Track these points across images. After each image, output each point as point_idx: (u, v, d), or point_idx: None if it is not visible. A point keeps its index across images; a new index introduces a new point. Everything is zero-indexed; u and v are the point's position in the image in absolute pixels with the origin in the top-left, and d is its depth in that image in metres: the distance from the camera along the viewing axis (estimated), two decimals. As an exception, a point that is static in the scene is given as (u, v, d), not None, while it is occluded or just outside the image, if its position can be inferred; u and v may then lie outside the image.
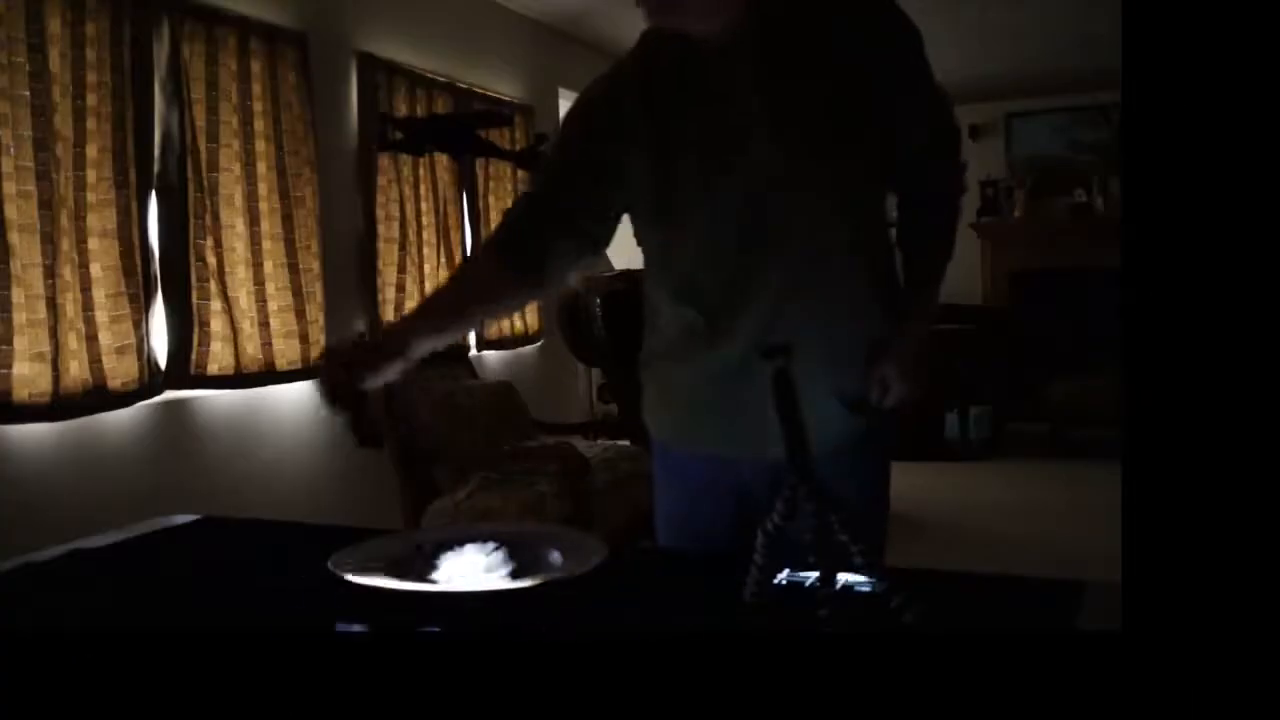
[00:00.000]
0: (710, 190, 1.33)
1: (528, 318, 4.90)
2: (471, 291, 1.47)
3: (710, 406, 1.41)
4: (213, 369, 3.19)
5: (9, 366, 2.54)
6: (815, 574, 1.02)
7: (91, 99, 2.75)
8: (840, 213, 1.34)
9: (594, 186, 1.41)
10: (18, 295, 2.55)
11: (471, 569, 1.16)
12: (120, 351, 2.82)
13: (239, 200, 3.25)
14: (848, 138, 1.32)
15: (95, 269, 2.77)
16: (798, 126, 1.30)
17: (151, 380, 2.96)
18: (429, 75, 4.25)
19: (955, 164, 1.48)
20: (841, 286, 1.35)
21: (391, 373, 1.34)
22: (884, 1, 1.35)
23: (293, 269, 3.43)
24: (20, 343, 2.56)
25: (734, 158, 1.32)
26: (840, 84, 1.30)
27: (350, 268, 3.86)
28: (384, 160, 3.94)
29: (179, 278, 3.11)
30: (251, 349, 3.29)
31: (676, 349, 1.43)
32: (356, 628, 1.04)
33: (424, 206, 4.18)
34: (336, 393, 1.29)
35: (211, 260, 3.17)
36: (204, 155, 3.14)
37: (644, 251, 1.46)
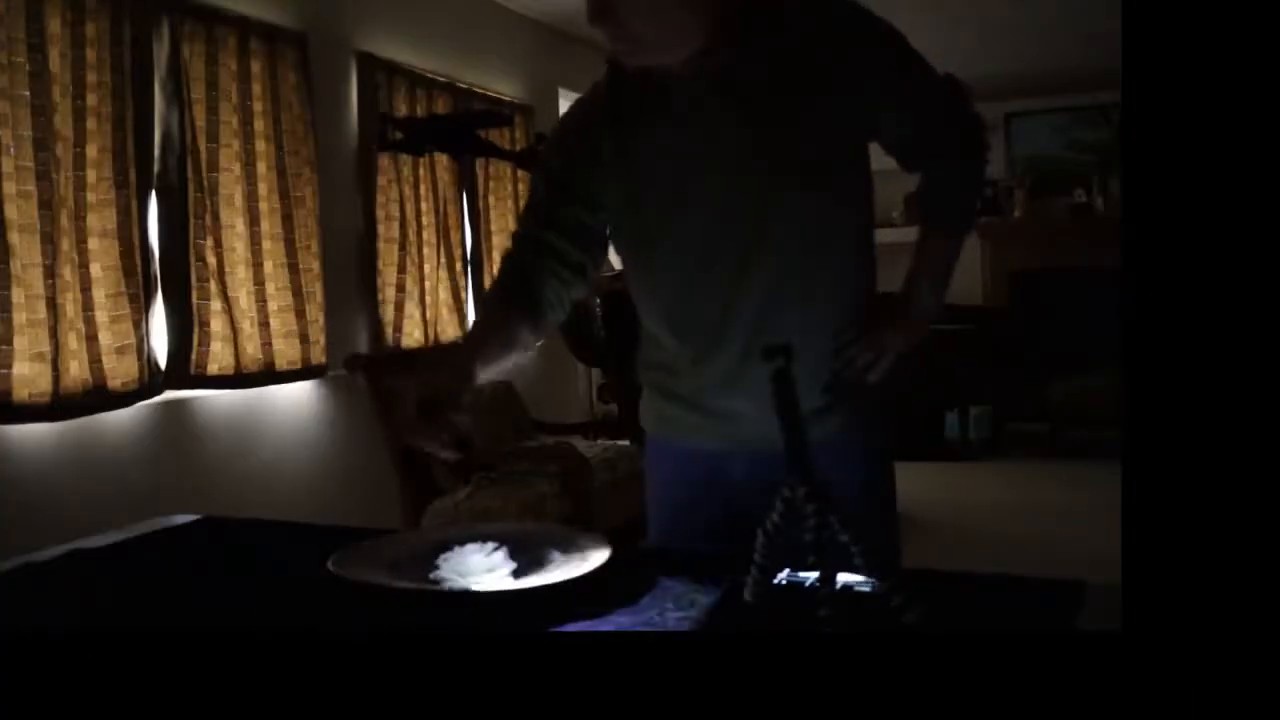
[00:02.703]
0: (683, 216, 1.35)
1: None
2: (494, 337, 1.43)
3: (702, 411, 1.43)
4: (213, 369, 3.19)
5: (9, 366, 2.54)
6: (815, 574, 1.02)
7: (91, 99, 2.75)
8: (817, 230, 1.34)
9: (572, 219, 1.42)
10: (18, 295, 2.55)
11: (471, 569, 1.16)
12: (120, 351, 2.82)
13: (239, 200, 3.25)
14: (821, 157, 1.32)
15: (95, 269, 2.77)
16: (767, 150, 1.31)
17: (151, 380, 2.96)
18: (429, 75, 4.25)
19: (968, 133, 1.46)
20: (822, 298, 1.37)
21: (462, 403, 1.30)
22: (850, 13, 1.33)
23: (293, 269, 3.43)
24: (20, 343, 2.56)
25: (706, 183, 1.33)
26: (811, 103, 1.30)
27: (350, 268, 3.86)
28: (384, 160, 3.94)
29: (179, 278, 3.11)
30: (251, 349, 3.29)
31: (670, 362, 1.45)
32: (357, 628, 1.04)
33: (424, 206, 4.18)
34: (444, 440, 1.23)
35: (211, 260, 3.17)
36: (204, 155, 3.14)
37: (625, 271, 1.47)
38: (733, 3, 1.31)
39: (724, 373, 1.37)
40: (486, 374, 1.36)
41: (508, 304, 1.43)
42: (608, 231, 1.45)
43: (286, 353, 3.42)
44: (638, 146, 1.36)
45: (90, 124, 2.75)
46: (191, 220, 3.12)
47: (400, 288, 4.05)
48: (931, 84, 1.40)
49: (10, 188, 2.54)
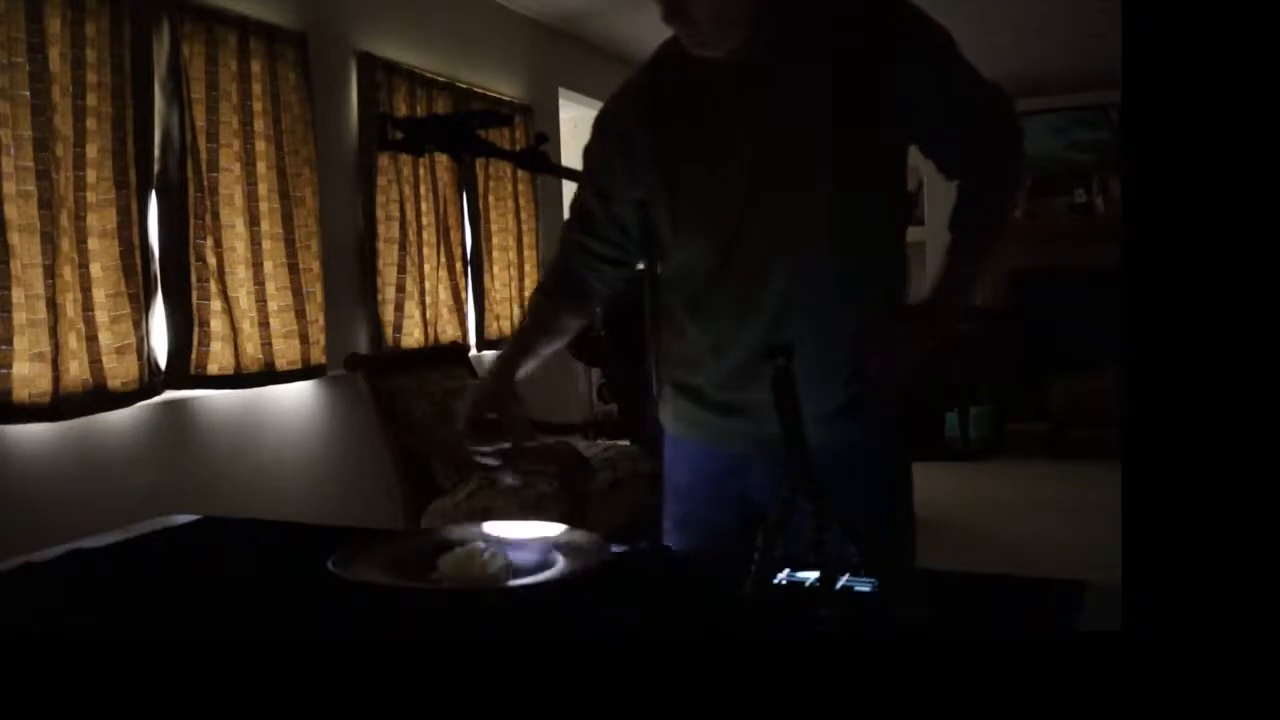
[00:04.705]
0: (717, 206, 1.35)
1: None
2: (542, 328, 1.57)
3: (723, 407, 1.43)
4: (213, 369, 3.19)
5: (9, 366, 2.54)
6: (815, 574, 1.02)
7: (91, 99, 2.75)
8: (848, 228, 1.34)
9: (614, 222, 1.47)
10: (18, 295, 2.54)
11: (471, 569, 1.16)
12: (120, 351, 2.82)
13: (239, 200, 3.25)
14: (859, 155, 1.32)
15: (95, 269, 2.77)
16: (806, 146, 1.31)
17: (151, 380, 2.96)
18: (429, 75, 4.25)
19: (1011, 144, 1.44)
20: (849, 297, 1.36)
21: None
22: (904, 13, 1.33)
23: (293, 269, 3.43)
24: (20, 343, 2.55)
25: (740, 175, 1.33)
26: (853, 102, 1.30)
27: (350, 268, 3.86)
28: (384, 160, 3.94)
29: (179, 278, 3.10)
30: (251, 349, 3.29)
31: (691, 354, 1.45)
32: (357, 628, 1.04)
33: (424, 206, 4.18)
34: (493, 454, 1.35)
35: (211, 260, 3.17)
36: (204, 155, 3.14)
37: (660, 256, 1.47)
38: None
39: (742, 364, 1.37)
40: (531, 368, 1.51)
41: (558, 299, 1.56)
42: (646, 223, 1.46)
43: (286, 353, 3.42)
44: (678, 137, 1.36)
45: (90, 124, 2.75)
46: (191, 220, 3.12)
47: (400, 288, 4.04)
48: (979, 92, 1.39)
49: (10, 188, 2.54)
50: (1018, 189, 1.50)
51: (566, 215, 1.57)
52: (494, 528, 1.30)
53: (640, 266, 1.51)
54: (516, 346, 1.53)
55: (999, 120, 1.43)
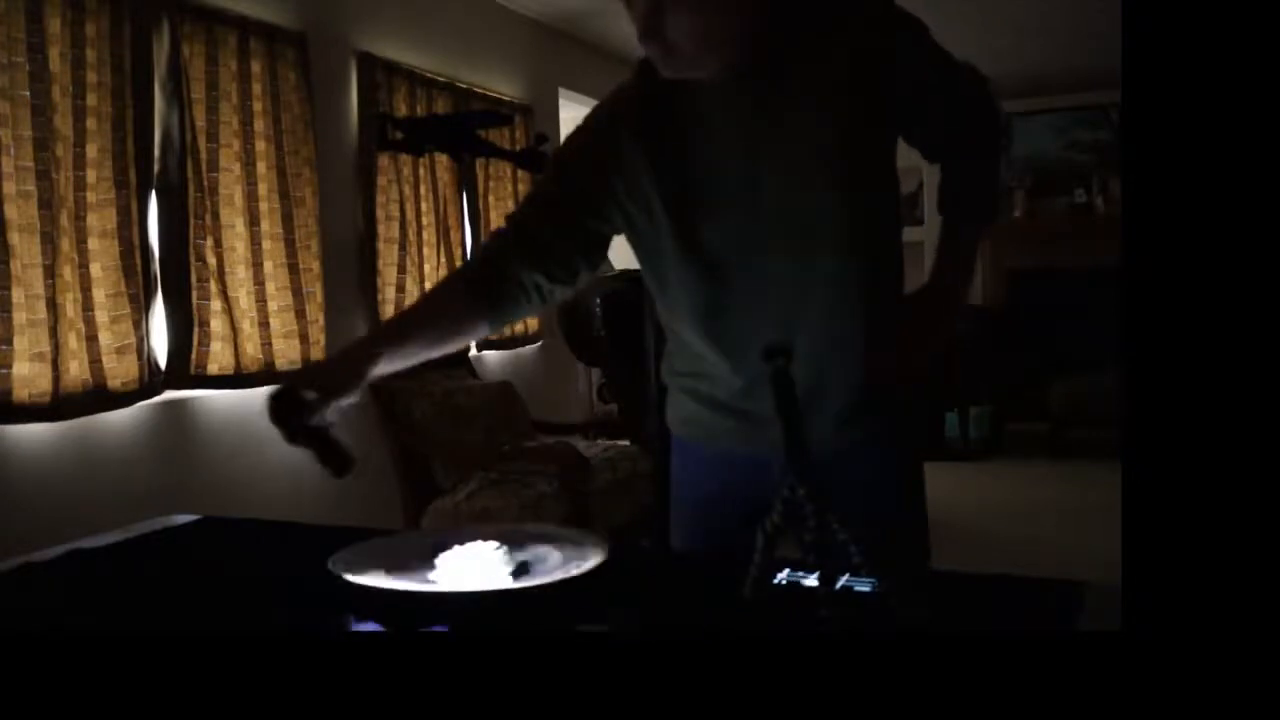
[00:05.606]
0: (719, 213, 1.33)
1: (528, 318, 4.90)
2: (435, 321, 1.42)
3: (732, 414, 1.42)
4: (213, 369, 3.19)
5: (9, 366, 2.54)
6: (815, 574, 1.02)
7: (91, 99, 2.75)
8: (849, 238, 1.33)
9: (577, 222, 1.39)
10: (18, 295, 2.55)
11: (471, 569, 1.16)
12: (120, 351, 2.82)
13: (239, 200, 3.25)
14: (854, 163, 1.31)
15: (95, 269, 2.77)
16: (802, 159, 1.30)
17: (151, 380, 2.96)
18: (429, 75, 4.25)
19: (992, 124, 1.44)
20: (856, 297, 1.35)
21: (347, 399, 1.36)
22: (883, 14, 1.32)
23: (293, 269, 3.43)
24: (20, 343, 2.56)
25: (738, 193, 1.32)
26: (845, 111, 1.29)
27: (350, 268, 3.86)
28: (384, 160, 3.94)
29: (179, 278, 3.11)
30: (251, 349, 3.29)
31: (699, 359, 1.44)
32: (357, 628, 1.05)
33: (424, 206, 4.19)
34: (293, 435, 1.31)
35: (211, 260, 3.17)
36: (204, 155, 3.14)
37: (648, 279, 1.45)
38: (772, 11, 1.29)
39: (755, 376, 1.36)
40: (402, 364, 1.36)
41: (473, 296, 1.40)
42: (607, 243, 1.43)
43: (286, 353, 3.42)
44: (675, 145, 1.34)
45: (90, 124, 2.75)
46: (191, 220, 3.12)
47: (400, 288, 4.05)
48: (958, 79, 1.38)
49: (10, 188, 2.54)
50: (1001, 167, 1.48)
51: (523, 212, 1.43)
52: (493, 528, 1.30)
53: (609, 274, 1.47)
54: (391, 337, 1.36)
55: (977, 101, 1.42)
